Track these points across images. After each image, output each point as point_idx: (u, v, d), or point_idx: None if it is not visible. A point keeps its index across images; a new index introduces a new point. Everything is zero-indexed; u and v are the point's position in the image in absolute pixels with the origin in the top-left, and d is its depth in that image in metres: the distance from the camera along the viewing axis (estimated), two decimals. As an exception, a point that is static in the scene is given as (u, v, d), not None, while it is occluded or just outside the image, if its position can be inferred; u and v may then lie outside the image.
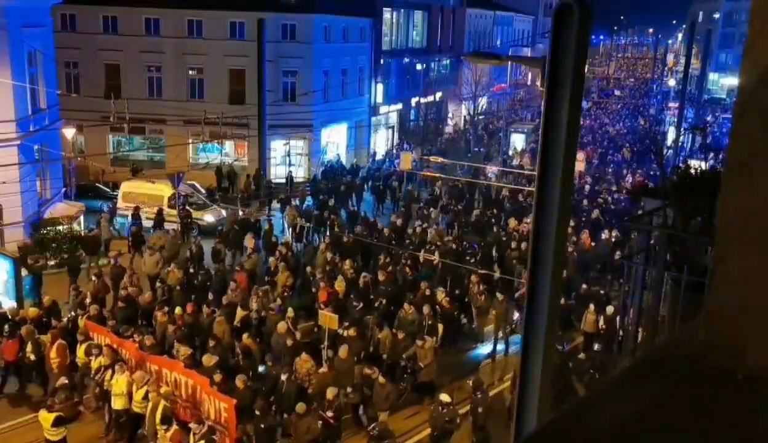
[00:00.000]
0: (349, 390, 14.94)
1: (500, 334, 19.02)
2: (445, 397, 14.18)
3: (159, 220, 26.09)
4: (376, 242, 23.18)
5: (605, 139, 51.67)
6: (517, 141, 46.48)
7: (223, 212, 28.78)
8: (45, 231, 24.15)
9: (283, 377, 14.51)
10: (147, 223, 26.04)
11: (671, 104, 61.35)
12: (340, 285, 19.41)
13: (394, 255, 21.99)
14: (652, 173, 35.89)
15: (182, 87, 36.25)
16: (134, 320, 17.62)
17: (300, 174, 36.22)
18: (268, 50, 33.02)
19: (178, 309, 17.21)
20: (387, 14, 44.99)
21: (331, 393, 13.79)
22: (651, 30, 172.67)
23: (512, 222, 26.07)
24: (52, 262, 23.72)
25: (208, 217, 28.10)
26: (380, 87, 44.25)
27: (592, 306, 18.65)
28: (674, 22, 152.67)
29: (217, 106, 33.24)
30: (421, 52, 49.74)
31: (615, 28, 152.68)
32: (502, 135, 47.35)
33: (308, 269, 20.89)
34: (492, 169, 35.59)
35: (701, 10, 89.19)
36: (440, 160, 37.48)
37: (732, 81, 69.79)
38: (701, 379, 0.82)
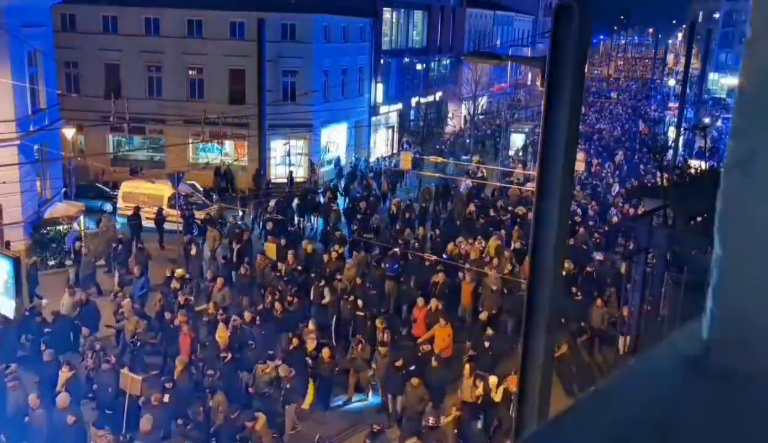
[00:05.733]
0: None
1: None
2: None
3: (159, 219, 26.08)
4: (275, 274, 19.43)
5: (599, 143, 50.70)
6: (518, 141, 46.31)
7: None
8: (45, 231, 24.16)
9: None
10: (147, 223, 26.03)
11: (671, 104, 61.28)
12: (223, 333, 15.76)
13: (282, 290, 18.15)
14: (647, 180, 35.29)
15: (182, 87, 36.24)
16: None
17: (300, 173, 36.23)
18: (268, 50, 32.99)
19: None
20: (387, 14, 44.97)
21: None
22: (651, 30, 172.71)
23: (450, 246, 21.84)
24: (52, 262, 23.76)
25: (208, 217, 28.06)
26: (380, 87, 44.21)
27: (467, 367, 14.36)
28: (674, 22, 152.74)
29: (217, 106, 33.21)
30: (421, 52, 49.74)
31: (615, 28, 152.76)
32: (500, 136, 47.08)
33: (167, 315, 16.47)
34: (466, 182, 32.70)
35: (701, 10, 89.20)
36: (439, 159, 37.38)
37: (732, 81, 69.76)
38: (702, 379, 0.82)
